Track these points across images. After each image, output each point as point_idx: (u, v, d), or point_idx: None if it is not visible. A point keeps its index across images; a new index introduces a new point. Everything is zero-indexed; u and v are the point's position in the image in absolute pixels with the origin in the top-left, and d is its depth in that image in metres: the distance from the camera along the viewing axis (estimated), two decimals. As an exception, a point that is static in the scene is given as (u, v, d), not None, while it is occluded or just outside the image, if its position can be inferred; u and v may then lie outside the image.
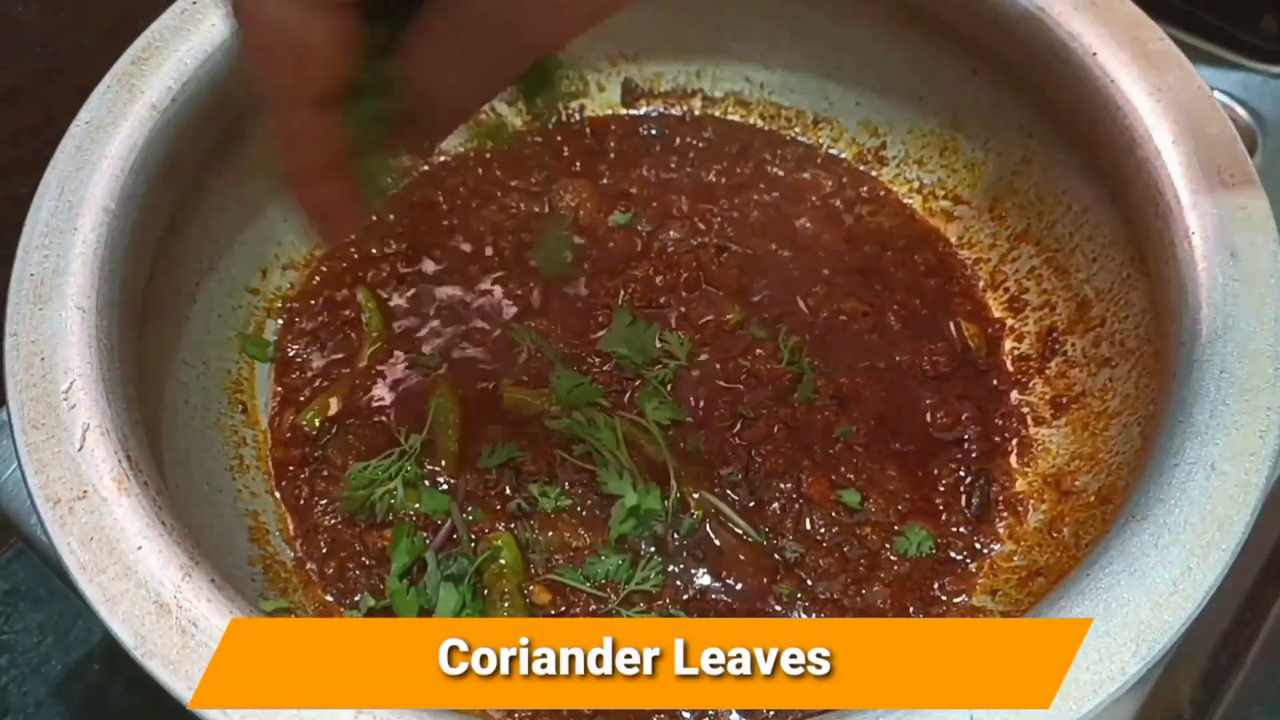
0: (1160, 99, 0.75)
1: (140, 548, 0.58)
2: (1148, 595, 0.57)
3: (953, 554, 0.78)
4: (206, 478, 0.77)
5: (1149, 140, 0.74)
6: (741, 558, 0.78)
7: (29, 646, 1.17)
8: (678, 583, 0.77)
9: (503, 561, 0.75)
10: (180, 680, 0.54)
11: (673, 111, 1.01)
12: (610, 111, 1.02)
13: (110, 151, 0.72)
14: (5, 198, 1.07)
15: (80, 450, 0.61)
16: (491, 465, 0.78)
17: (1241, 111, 1.11)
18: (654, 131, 1.00)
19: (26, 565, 1.22)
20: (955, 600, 0.76)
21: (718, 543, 0.78)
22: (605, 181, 0.97)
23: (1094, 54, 0.77)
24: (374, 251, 0.91)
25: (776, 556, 0.77)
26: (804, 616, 0.75)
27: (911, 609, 0.76)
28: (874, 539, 0.78)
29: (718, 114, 1.00)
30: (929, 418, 0.83)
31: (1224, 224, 0.69)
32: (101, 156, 0.72)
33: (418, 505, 0.77)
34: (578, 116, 1.01)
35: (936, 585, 0.77)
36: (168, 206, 0.77)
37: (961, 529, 0.79)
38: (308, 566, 0.77)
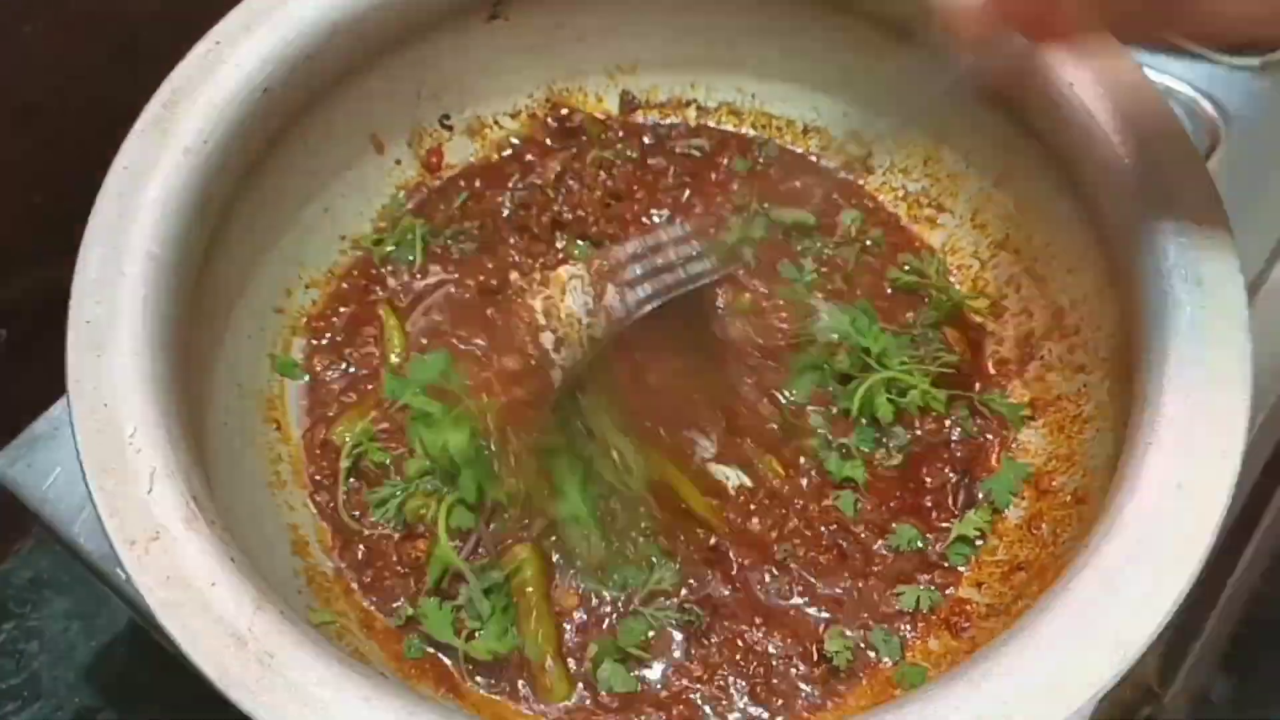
0: (1132, 133, 0.80)
1: (214, 584, 0.64)
2: (1124, 606, 0.64)
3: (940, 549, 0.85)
4: (249, 496, 0.82)
5: (1123, 170, 0.79)
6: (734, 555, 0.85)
7: (57, 632, 1.22)
8: (691, 581, 0.83)
9: (528, 573, 0.81)
10: (264, 710, 0.60)
11: (668, 121, 1.05)
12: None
13: (150, 196, 0.76)
14: (21, 209, 1.11)
15: (150, 493, 0.66)
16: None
17: (1206, 105, 1.16)
18: (650, 140, 1.05)
19: (48, 554, 1.27)
20: (945, 592, 0.83)
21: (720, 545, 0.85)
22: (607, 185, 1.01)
23: (1070, 85, 0.82)
24: (389, 268, 0.96)
25: (776, 553, 0.84)
26: (807, 610, 0.82)
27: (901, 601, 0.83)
28: (867, 536, 0.85)
29: (711, 124, 1.05)
30: (917, 421, 0.89)
31: (1191, 251, 0.75)
32: (142, 202, 0.76)
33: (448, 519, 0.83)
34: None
35: (926, 579, 0.84)
36: (203, 242, 0.81)
37: (947, 524, 0.86)
38: (347, 576, 0.83)
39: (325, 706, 0.61)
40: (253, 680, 0.61)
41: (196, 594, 0.64)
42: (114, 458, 0.67)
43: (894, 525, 0.85)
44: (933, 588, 0.83)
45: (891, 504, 0.87)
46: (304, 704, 0.61)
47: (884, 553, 0.85)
